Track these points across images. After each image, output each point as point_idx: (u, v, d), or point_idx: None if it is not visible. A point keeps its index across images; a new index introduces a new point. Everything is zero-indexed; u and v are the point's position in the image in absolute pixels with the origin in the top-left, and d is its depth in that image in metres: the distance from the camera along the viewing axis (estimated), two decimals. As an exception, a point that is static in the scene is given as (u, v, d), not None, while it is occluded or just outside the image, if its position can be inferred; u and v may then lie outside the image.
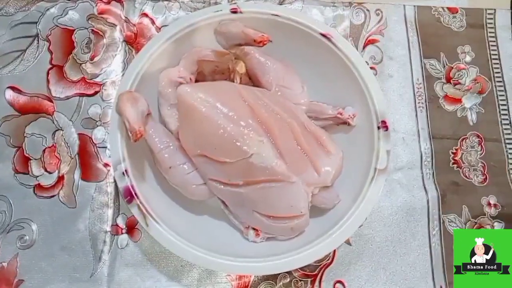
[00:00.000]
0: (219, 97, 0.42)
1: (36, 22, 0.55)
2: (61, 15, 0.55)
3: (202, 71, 0.47)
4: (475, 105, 0.56)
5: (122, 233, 0.49)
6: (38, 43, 0.54)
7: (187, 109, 0.42)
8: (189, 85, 0.44)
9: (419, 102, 0.55)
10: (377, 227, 0.51)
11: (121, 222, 0.49)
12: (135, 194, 0.41)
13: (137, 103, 0.39)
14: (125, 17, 0.56)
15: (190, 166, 0.43)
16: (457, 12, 0.59)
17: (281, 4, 0.57)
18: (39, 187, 0.50)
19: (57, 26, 0.55)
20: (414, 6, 0.58)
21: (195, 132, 0.41)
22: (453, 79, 0.56)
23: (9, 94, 0.53)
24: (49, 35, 0.55)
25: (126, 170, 0.41)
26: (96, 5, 0.56)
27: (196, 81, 0.47)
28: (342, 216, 0.42)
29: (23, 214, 0.49)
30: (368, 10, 0.58)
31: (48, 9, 0.55)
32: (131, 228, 0.49)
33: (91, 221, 0.49)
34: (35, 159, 0.51)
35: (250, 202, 0.42)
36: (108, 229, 0.49)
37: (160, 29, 0.55)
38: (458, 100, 0.56)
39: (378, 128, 0.44)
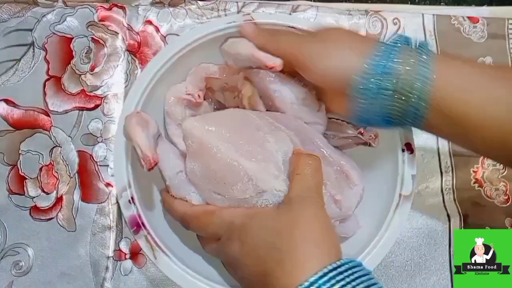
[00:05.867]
0: (230, 128, 0.37)
1: (32, 29, 0.51)
2: (59, 21, 0.51)
3: (211, 87, 0.44)
4: (497, 120, 0.53)
5: (125, 259, 0.46)
6: (33, 52, 0.51)
7: (195, 144, 0.38)
8: (196, 118, 0.39)
9: (438, 117, 0.52)
10: (397, 251, 0.48)
11: (124, 246, 0.46)
12: (143, 224, 0.38)
13: (148, 126, 0.36)
14: (128, 25, 0.52)
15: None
16: (478, 22, 0.56)
17: (294, 12, 0.54)
18: (35, 209, 0.47)
19: (54, 33, 0.51)
20: (433, 15, 0.55)
21: (204, 167, 0.37)
22: (474, 93, 0.54)
23: (2, 108, 0.49)
24: (46, 43, 0.51)
25: (132, 198, 0.38)
26: (96, 12, 0.52)
27: (206, 96, 0.44)
28: (365, 246, 0.39)
29: (19, 238, 0.46)
30: (385, 19, 0.55)
31: (44, 15, 0.52)
32: (135, 253, 0.46)
33: (92, 246, 0.46)
34: (31, 178, 0.48)
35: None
36: (111, 254, 0.46)
37: (165, 37, 0.52)
38: (480, 116, 0.53)
39: (403, 150, 0.41)
